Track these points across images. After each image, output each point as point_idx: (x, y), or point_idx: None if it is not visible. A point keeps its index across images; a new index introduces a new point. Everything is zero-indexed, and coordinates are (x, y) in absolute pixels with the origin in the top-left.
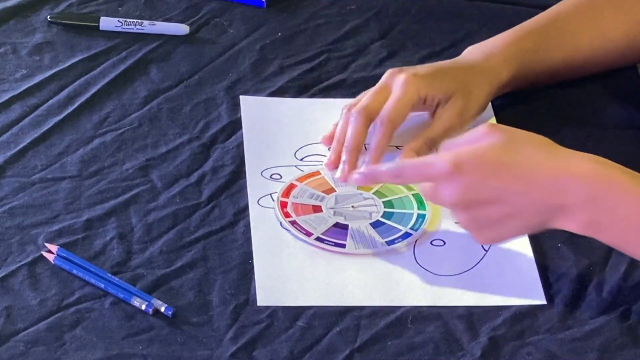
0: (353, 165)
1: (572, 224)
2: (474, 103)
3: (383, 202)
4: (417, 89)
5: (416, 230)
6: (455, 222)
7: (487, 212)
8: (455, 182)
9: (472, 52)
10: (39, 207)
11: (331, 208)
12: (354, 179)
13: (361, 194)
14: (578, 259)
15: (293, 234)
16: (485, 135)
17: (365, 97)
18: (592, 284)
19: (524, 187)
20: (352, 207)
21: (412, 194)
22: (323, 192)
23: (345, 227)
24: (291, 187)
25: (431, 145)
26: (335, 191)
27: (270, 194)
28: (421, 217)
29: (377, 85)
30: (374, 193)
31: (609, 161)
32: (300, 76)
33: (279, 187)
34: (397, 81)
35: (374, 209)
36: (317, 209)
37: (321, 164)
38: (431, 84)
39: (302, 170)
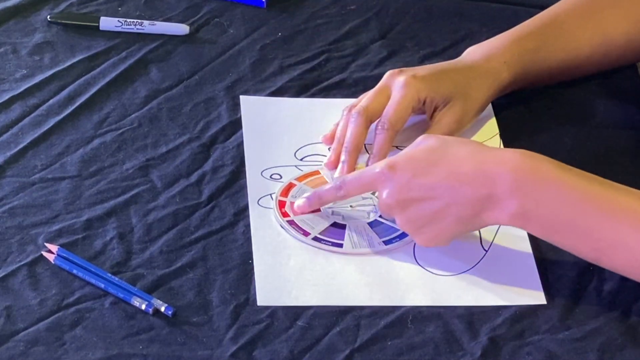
0: (352, 166)
1: (502, 214)
2: (472, 106)
3: None
4: (416, 91)
5: None
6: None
7: (421, 209)
8: (391, 183)
9: (473, 53)
10: (39, 207)
11: (329, 208)
12: (297, 206)
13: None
14: (578, 259)
15: (290, 234)
16: (419, 142)
17: (365, 98)
18: (592, 284)
19: (452, 181)
20: (350, 206)
21: None
22: None
23: (342, 227)
24: (290, 186)
25: None
26: None
27: (270, 194)
28: None
29: (377, 86)
30: (372, 193)
31: (537, 154)
32: (300, 76)
33: (279, 187)
34: (396, 83)
35: (372, 209)
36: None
37: (321, 164)
38: (430, 86)
39: (302, 170)
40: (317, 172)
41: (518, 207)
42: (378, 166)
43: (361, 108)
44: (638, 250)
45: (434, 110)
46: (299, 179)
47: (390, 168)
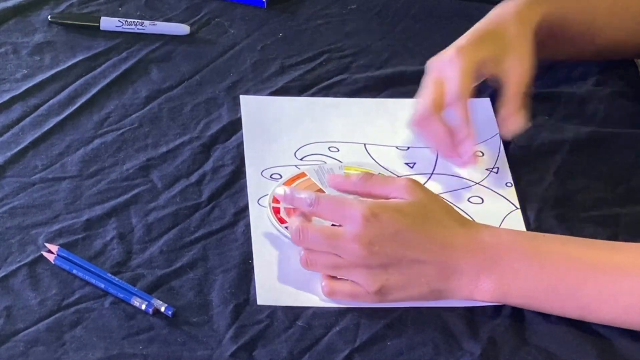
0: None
1: (476, 291)
2: (527, 51)
3: None
4: (469, 56)
5: None
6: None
7: (398, 265)
8: (371, 230)
9: (500, 9)
10: (39, 207)
11: None
12: (276, 194)
13: None
14: None
15: (291, 239)
16: (404, 194)
17: (426, 93)
18: None
19: (438, 245)
20: None
21: None
22: None
23: None
24: None
25: (523, 102)
26: (324, 192)
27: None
28: None
29: (428, 80)
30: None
31: (502, 229)
32: (300, 76)
33: (269, 195)
34: (444, 64)
35: None
36: None
37: (320, 164)
38: (480, 48)
39: (299, 169)
40: (303, 174)
41: (495, 285)
42: (359, 207)
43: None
44: (622, 301)
45: (496, 69)
46: (287, 183)
47: (373, 215)
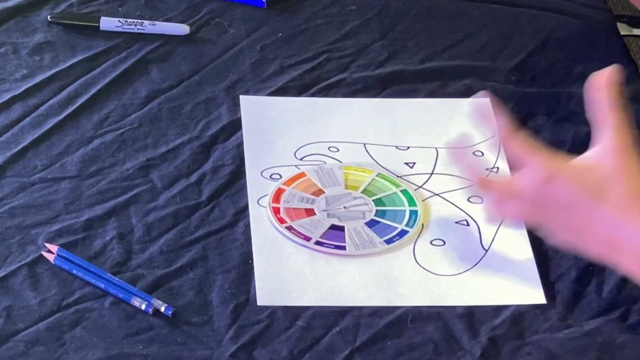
0: None
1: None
2: None
3: (374, 200)
4: None
5: (412, 227)
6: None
7: (572, 223)
8: (549, 191)
9: None
10: (39, 207)
11: (324, 210)
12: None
13: (350, 193)
14: (578, 259)
15: (292, 240)
16: (595, 157)
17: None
18: (592, 284)
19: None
20: (344, 207)
21: (400, 191)
22: (312, 194)
23: (341, 229)
24: (280, 191)
25: None
26: (324, 192)
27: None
28: (414, 213)
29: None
30: (362, 192)
31: None
32: (300, 76)
33: (269, 195)
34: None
35: (366, 208)
36: (309, 212)
37: (320, 164)
38: None
39: (299, 169)
40: (303, 174)
41: None
42: (541, 164)
43: None
44: None
45: None
46: (287, 183)
47: (552, 178)
